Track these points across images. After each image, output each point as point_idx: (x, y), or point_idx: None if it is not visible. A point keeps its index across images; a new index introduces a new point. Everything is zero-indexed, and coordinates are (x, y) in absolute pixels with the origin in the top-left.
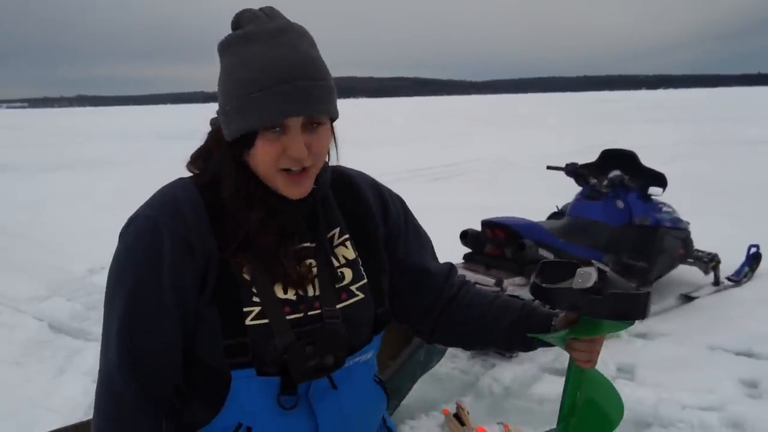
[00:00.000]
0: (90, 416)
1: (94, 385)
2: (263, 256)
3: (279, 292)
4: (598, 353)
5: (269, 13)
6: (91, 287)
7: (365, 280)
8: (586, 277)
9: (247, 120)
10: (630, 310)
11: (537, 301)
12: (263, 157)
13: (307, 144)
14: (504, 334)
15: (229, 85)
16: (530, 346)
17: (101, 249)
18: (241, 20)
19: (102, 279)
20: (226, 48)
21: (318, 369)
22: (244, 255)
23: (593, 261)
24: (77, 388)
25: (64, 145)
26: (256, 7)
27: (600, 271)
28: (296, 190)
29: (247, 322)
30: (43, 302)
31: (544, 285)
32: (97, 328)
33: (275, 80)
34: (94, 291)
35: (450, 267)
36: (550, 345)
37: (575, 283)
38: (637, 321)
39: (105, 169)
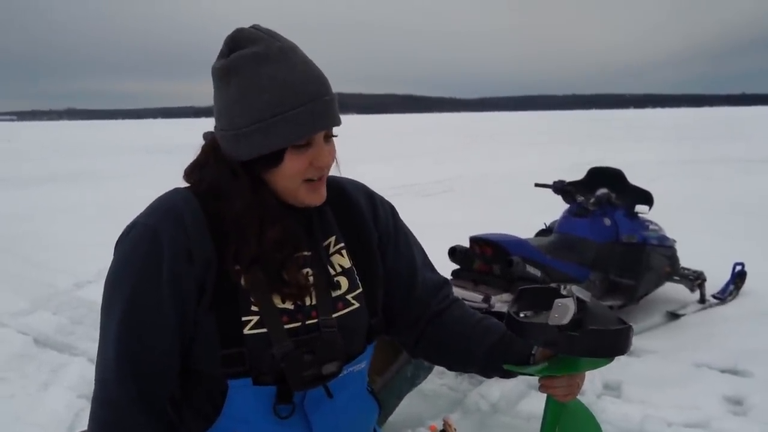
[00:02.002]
0: (75, 430)
1: (78, 400)
2: (268, 269)
3: (277, 301)
4: (579, 387)
5: (267, 31)
6: (77, 301)
7: (360, 289)
8: (563, 310)
9: (282, 137)
10: (610, 346)
11: None
12: (293, 170)
13: (329, 152)
14: (483, 356)
15: (250, 106)
16: (506, 373)
17: (87, 263)
18: (241, 41)
19: (88, 293)
20: (235, 69)
21: (316, 378)
22: (249, 267)
23: (572, 289)
24: (61, 402)
25: (51, 158)
26: (243, 22)
27: (579, 301)
28: (318, 197)
29: (245, 331)
30: (28, 316)
31: (518, 318)
32: (82, 343)
33: (306, 98)
34: (80, 305)
35: (443, 281)
36: (529, 374)
37: (551, 318)
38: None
39: (93, 182)
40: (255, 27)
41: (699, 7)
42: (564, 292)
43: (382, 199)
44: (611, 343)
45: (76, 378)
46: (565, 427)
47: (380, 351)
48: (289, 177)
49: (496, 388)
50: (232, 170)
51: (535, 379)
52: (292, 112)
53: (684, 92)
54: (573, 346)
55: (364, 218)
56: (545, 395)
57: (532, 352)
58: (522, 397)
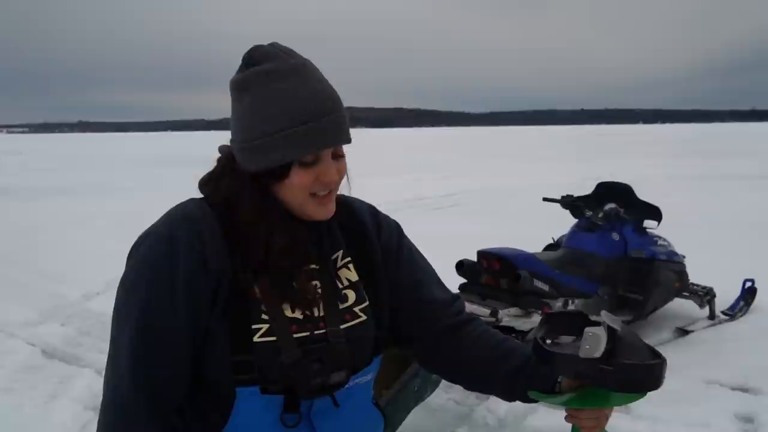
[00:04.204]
0: None
1: (86, 412)
2: (278, 278)
3: (287, 311)
4: (607, 418)
5: (283, 49)
6: (86, 313)
7: (367, 302)
8: (595, 341)
9: (290, 152)
10: (644, 381)
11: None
12: (298, 185)
13: (337, 170)
14: (505, 380)
15: (260, 120)
16: (530, 399)
17: (97, 274)
18: (256, 56)
19: (96, 305)
20: (247, 84)
21: (323, 386)
22: (259, 275)
23: (603, 315)
24: (68, 414)
25: (62, 171)
26: (253, 36)
27: (610, 330)
28: (326, 211)
29: (255, 339)
30: (37, 327)
31: (546, 347)
32: (90, 355)
33: (314, 115)
34: (89, 316)
35: (453, 297)
36: (556, 404)
37: (582, 350)
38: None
39: (103, 194)
40: (272, 45)
41: (708, 23)
42: (594, 319)
43: (386, 217)
44: (645, 378)
45: (83, 390)
46: None
47: (388, 364)
48: (295, 191)
49: (504, 403)
50: (243, 181)
51: None
52: (299, 127)
53: (693, 107)
54: (605, 379)
55: (368, 234)
56: (556, 407)
57: (558, 379)
58: (530, 412)
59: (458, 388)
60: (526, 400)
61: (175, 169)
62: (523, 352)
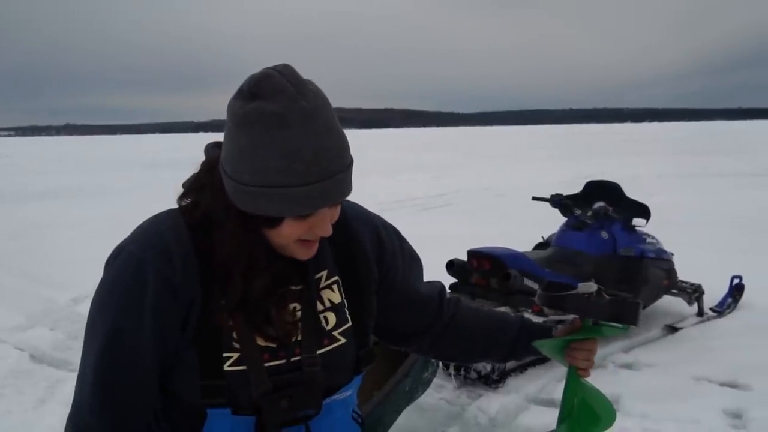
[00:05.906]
0: None
1: None
2: (254, 315)
3: (259, 339)
4: (593, 362)
5: (295, 82)
6: (75, 316)
7: (349, 324)
8: (589, 286)
9: (284, 208)
10: (626, 313)
11: (530, 317)
12: (289, 235)
13: (331, 218)
14: (506, 347)
15: (256, 169)
16: (531, 353)
17: (86, 277)
18: (264, 90)
19: (86, 308)
20: (250, 123)
21: (293, 420)
22: (233, 308)
23: (580, 285)
24: (57, 419)
25: (50, 174)
26: (243, 39)
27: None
28: (309, 253)
29: (225, 367)
30: (25, 332)
31: (554, 294)
32: (79, 359)
33: (319, 177)
34: (78, 320)
35: (440, 288)
36: (546, 358)
37: (580, 289)
38: (624, 339)
39: (92, 197)
40: (282, 73)
41: (696, 23)
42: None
43: (386, 226)
44: (627, 310)
45: (72, 394)
46: (583, 396)
47: (379, 364)
48: (284, 239)
49: (495, 402)
50: (226, 206)
51: (533, 393)
52: (298, 188)
53: (681, 106)
54: (598, 310)
55: (366, 258)
56: (546, 406)
57: (552, 334)
58: (521, 411)
59: (450, 387)
60: (525, 355)
61: (166, 172)
62: (512, 321)
